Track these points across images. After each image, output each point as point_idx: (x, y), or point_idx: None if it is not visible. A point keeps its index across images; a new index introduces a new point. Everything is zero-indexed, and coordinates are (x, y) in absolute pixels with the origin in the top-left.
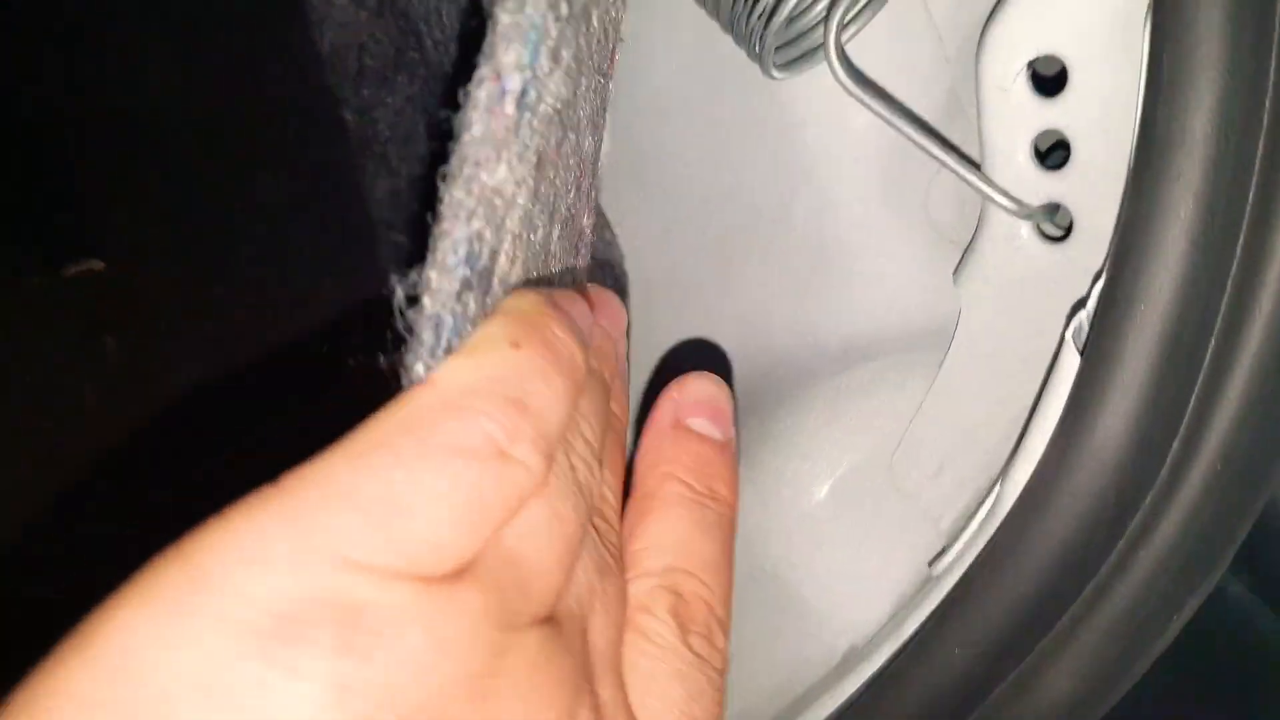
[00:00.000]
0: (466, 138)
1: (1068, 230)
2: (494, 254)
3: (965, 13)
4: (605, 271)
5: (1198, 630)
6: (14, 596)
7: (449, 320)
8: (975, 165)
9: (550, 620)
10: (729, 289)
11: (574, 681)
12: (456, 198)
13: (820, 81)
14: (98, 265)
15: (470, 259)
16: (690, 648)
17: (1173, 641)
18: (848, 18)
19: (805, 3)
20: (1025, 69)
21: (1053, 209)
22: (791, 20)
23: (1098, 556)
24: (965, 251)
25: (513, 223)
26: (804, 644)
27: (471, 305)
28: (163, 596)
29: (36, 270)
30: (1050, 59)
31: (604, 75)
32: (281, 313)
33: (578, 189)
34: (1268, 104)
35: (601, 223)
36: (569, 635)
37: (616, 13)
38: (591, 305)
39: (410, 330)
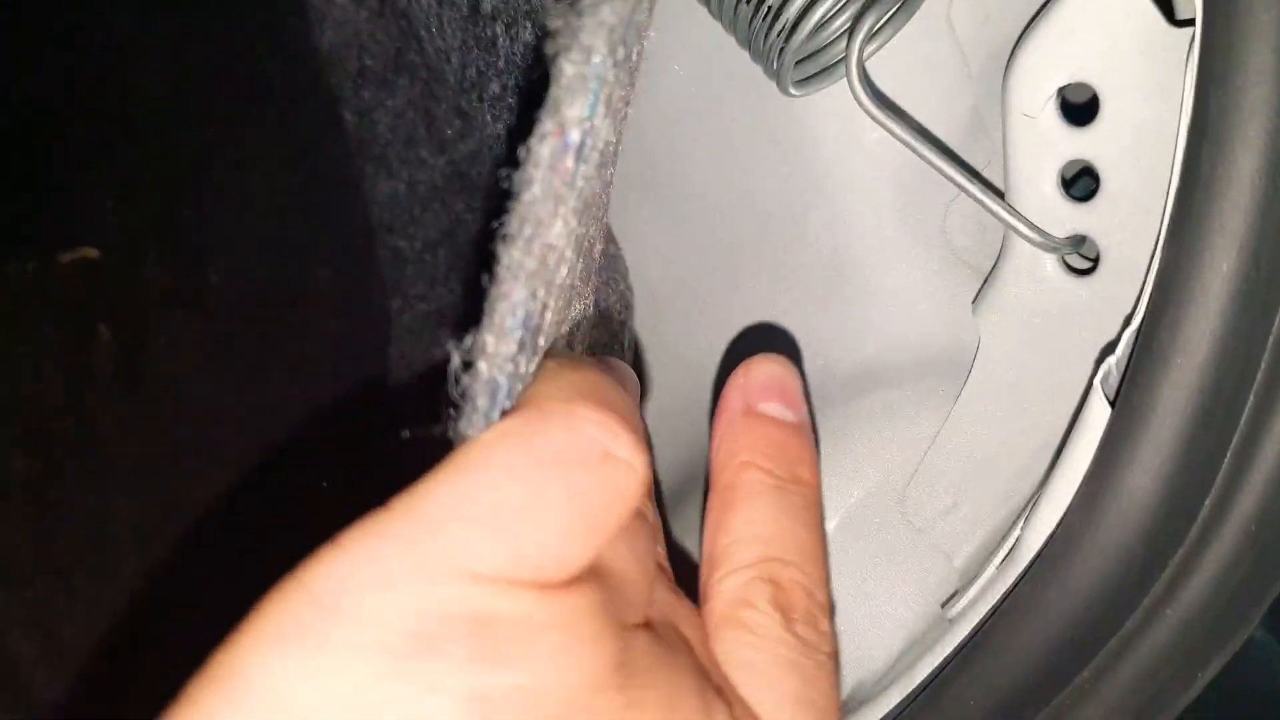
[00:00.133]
0: (527, 197)
1: (1094, 263)
2: (544, 309)
3: (990, 31)
4: (610, 287)
5: (1219, 675)
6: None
7: (504, 384)
8: (999, 193)
9: (649, 624)
10: (738, 303)
11: (695, 672)
12: (516, 259)
13: (836, 95)
14: (92, 253)
15: (527, 320)
16: (796, 636)
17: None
18: (871, 35)
19: (828, 19)
20: (1055, 96)
21: (1079, 241)
22: (813, 36)
23: (1122, 613)
24: (986, 281)
25: (561, 275)
26: None
27: (523, 365)
28: (293, 628)
29: (30, 256)
30: (1081, 86)
31: (628, 104)
32: (278, 307)
33: (599, 219)
34: None
35: (605, 236)
36: (669, 637)
37: (644, 42)
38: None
39: (464, 395)
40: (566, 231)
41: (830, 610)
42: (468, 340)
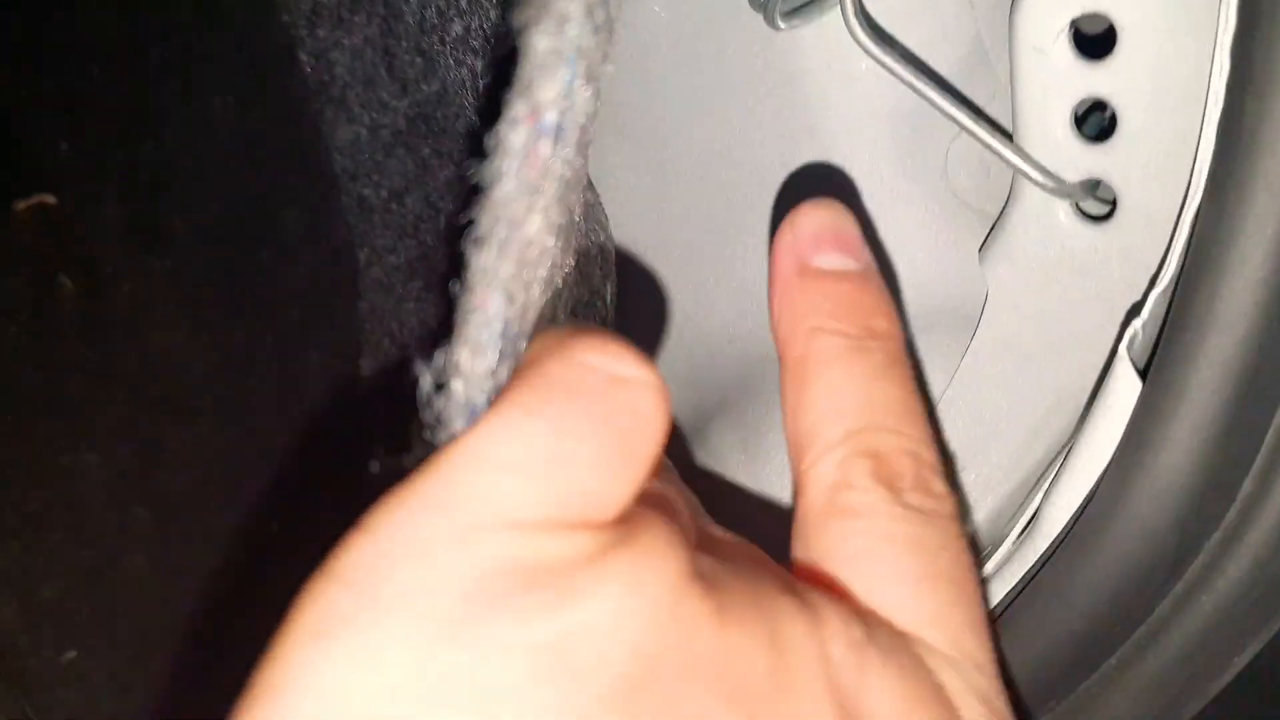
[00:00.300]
0: (499, 194)
1: (1111, 209)
2: (525, 311)
3: None
4: (590, 238)
5: (1253, 660)
6: None
7: (483, 403)
8: (1006, 133)
9: (701, 554)
10: (725, 255)
11: (776, 573)
12: (489, 264)
13: (826, 25)
14: (49, 199)
15: (505, 329)
16: (909, 506)
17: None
18: None
19: None
20: (1068, 28)
21: (1093, 185)
22: None
23: (1153, 599)
24: (993, 227)
25: (542, 271)
26: None
27: (504, 375)
28: (334, 622)
29: None
30: (1096, 17)
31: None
32: (244, 250)
33: (581, 188)
34: None
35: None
36: (730, 565)
37: None
38: None
39: (439, 420)
40: (546, 224)
41: (942, 467)
42: (439, 357)
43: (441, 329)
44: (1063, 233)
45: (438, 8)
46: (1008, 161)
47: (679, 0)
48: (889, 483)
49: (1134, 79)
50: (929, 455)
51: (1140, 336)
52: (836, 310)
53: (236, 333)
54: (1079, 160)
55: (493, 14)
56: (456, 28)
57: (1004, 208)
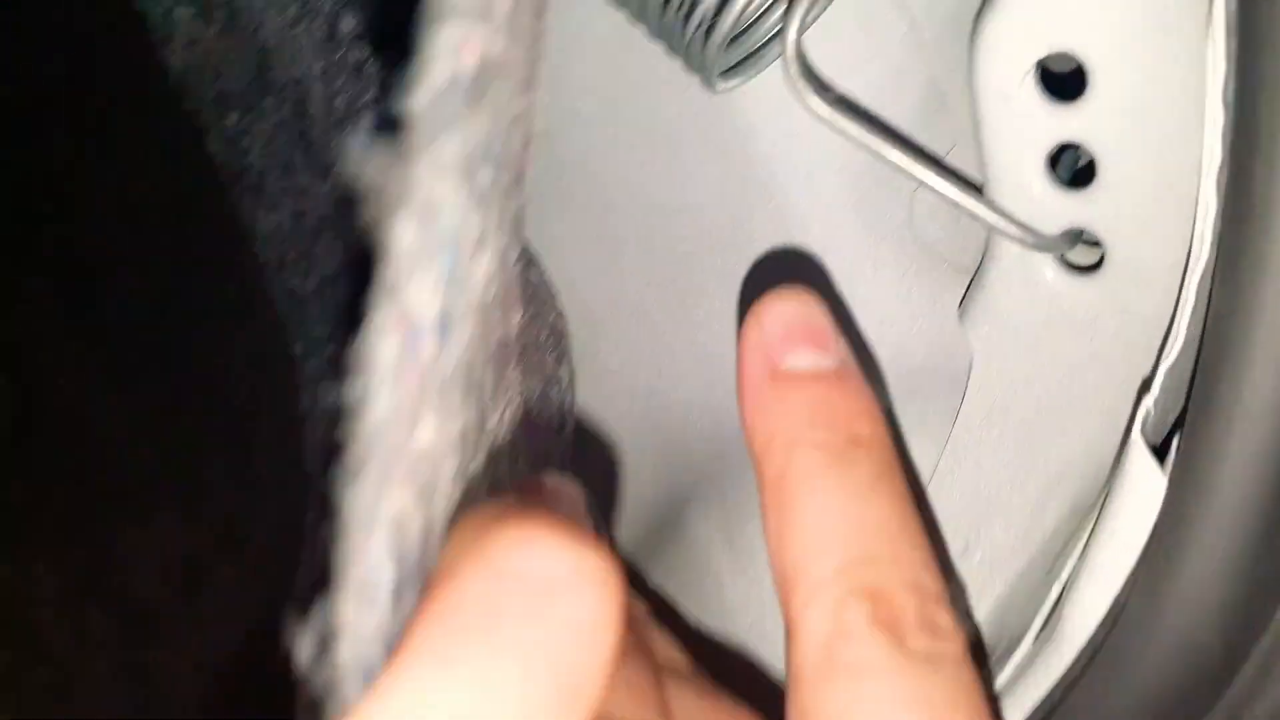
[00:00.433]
0: (370, 419)
1: (1100, 258)
2: (428, 529)
3: None
4: (539, 320)
5: None
6: None
7: (378, 659)
8: (975, 187)
9: None
10: (686, 321)
11: None
12: (368, 504)
13: (769, 76)
14: None
15: (399, 571)
16: (915, 655)
17: None
18: (808, 23)
19: (756, 11)
20: (1034, 69)
21: (1076, 236)
22: (738, 33)
23: (1199, 713)
24: (972, 284)
25: (447, 478)
26: None
27: (406, 605)
28: None
29: None
30: (1064, 56)
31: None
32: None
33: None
34: None
35: (526, 259)
36: None
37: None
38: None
39: (328, 689)
40: (445, 427)
41: (946, 593)
42: (319, 613)
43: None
44: (1049, 289)
45: (345, 99)
46: (981, 219)
47: (610, 61)
48: (890, 626)
49: (1111, 121)
50: (931, 583)
51: (1153, 413)
52: (815, 418)
53: (182, 419)
54: (1058, 210)
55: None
56: (368, 119)
57: (981, 263)
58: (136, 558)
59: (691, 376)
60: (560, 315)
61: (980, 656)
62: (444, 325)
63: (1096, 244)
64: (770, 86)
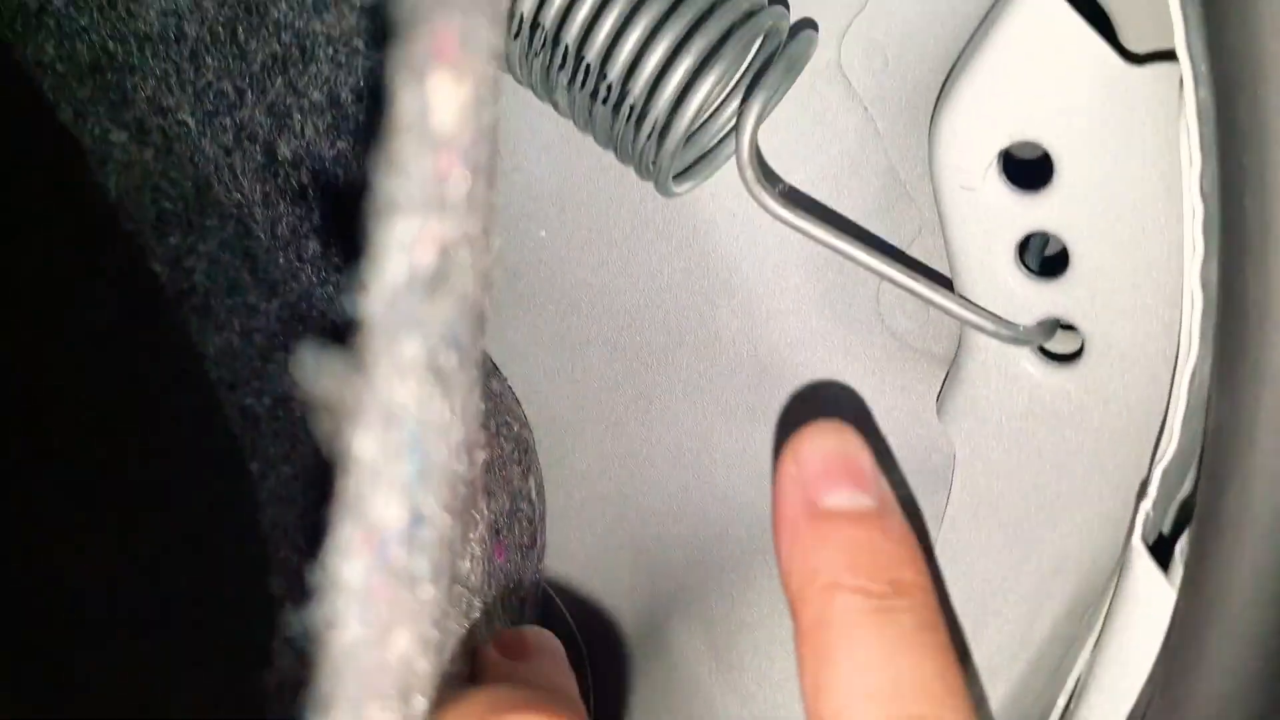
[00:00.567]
0: (339, 646)
1: (1080, 346)
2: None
3: (894, 79)
4: (503, 433)
5: None
6: None
7: None
8: (944, 280)
9: None
10: (656, 423)
11: None
12: None
13: (726, 174)
14: None
15: None
16: None
17: None
18: (762, 118)
19: (706, 112)
20: (996, 160)
21: (1052, 327)
22: (691, 137)
23: None
24: (948, 379)
25: (424, 674)
26: None
27: None
28: None
29: None
30: (1027, 144)
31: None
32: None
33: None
34: None
35: (486, 368)
36: None
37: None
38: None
39: None
40: (418, 630)
41: None
42: None
43: None
44: (1029, 381)
45: (289, 225)
46: (952, 314)
47: (561, 163)
48: None
49: (1080, 208)
50: None
51: (1151, 517)
52: (856, 563)
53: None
54: (1032, 300)
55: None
56: (313, 245)
57: (957, 354)
58: (94, 683)
59: (665, 481)
60: (525, 425)
61: None
62: (414, 525)
63: (1074, 329)
64: (725, 180)
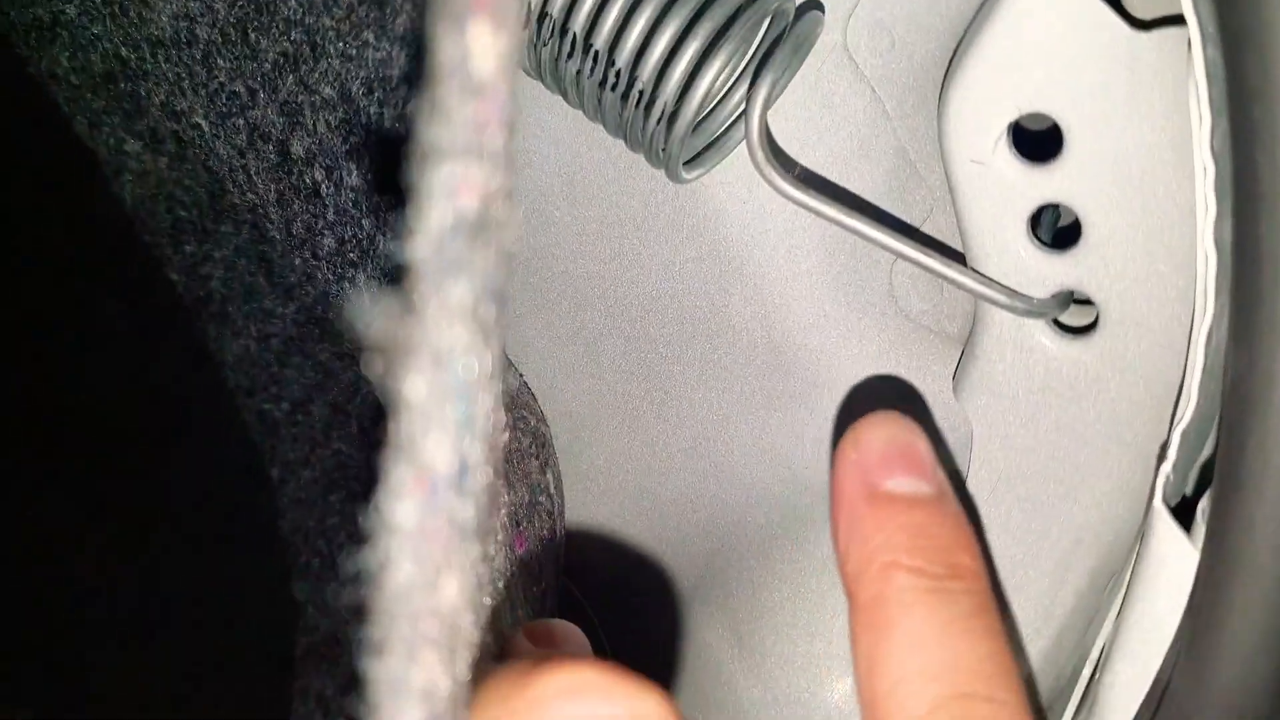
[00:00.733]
0: (394, 586)
1: (1094, 317)
2: (455, 695)
3: (900, 59)
4: (521, 427)
5: None
6: None
7: None
8: (957, 255)
9: None
10: (672, 414)
11: None
12: (396, 675)
13: (736, 158)
14: None
15: None
16: None
17: None
18: (771, 101)
19: (716, 96)
20: (1006, 133)
21: (1066, 299)
22: (700, 122)
23: None
24: (963, 356)
25: (468, 633)
26: None
27: None
28: None
29: None
30: (1035, 116)
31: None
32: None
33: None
34: None
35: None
36: None
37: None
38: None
39: None
40: (467, 592)
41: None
42: None
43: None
44: (1045, 354)
45: (304, 223)
46: (965, 288)
47: (570, 156)
48: None
49: (1091, 178)
50: None
51: (1172, 480)
52: (914, 544)
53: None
54: (1046, 272)
55: (365, 223)
56: (328, 241)
57: (971, 331)
58: (115, 693)
59: (682, 471)
60: (541, 420)
61: None
62: (462, 474)
63: (1089, 303)
64: (735, 166)
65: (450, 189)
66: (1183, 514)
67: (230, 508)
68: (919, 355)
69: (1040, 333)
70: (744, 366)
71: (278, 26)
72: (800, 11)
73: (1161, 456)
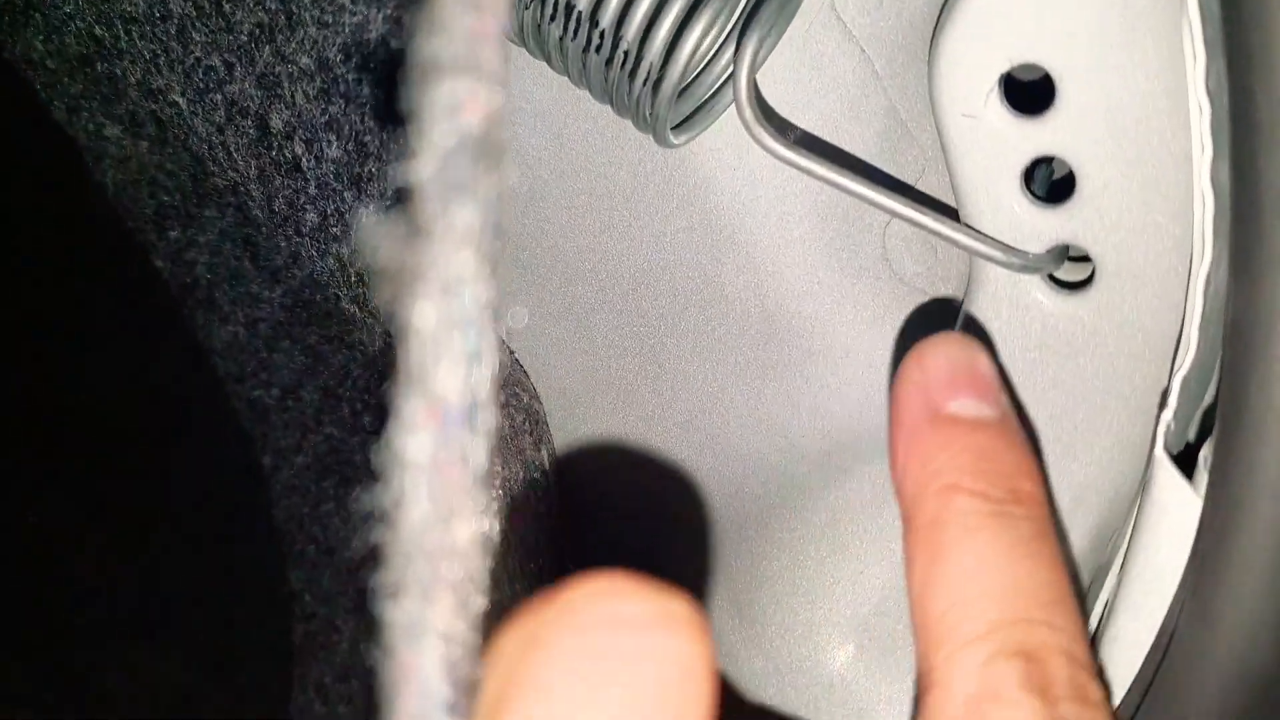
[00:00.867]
0: (408, 524)
1: (1091, 272)
2: (471, 640)
3: (888, 17)
4: (513, 404)
5: None
6: None
7: None
8: (951, 212)
9: None
10: (667, 387)
11: None
12: (414, 618)
13: (725, 124)
14: None
15: (452, 685)
16: None
17: None
18: (758, 63)
19: (703, 58)
20: (997, 85)
21: (1062, 253)
22: (686, 84)
23: None
24: (959, 317)
25: (480, 579)
26: None
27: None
28: None
29: None
30: (1027, 67)
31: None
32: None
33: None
34: None
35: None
36: None
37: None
38: None
39: None
40: (478, 525)
41: (1094, 669)
42: None
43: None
44: (1041, 311)
45: (285, 198)
46: (960, 245)
47: (557, 128)
48: (1042, 691)
49: (1084, 128)
50: (1082, 652)
51: (1173, 428)
52: (977, 467)
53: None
54: (1040, 227)
55: (347, 196)
56: (311, 217)
57: (966, 292)
58: (122, 692)
59: (678, 445)
60: (534, 397)
61: None
62: (472, 409)
63: (1085, 258)
64: (724, 134)
65: (452, 106)
66: (1185, 463)
67: (227, 500)
68: (914, 320)
69: (1036, 289)
70: (738, 336)
71: None
72: None
73: (1162, 405)
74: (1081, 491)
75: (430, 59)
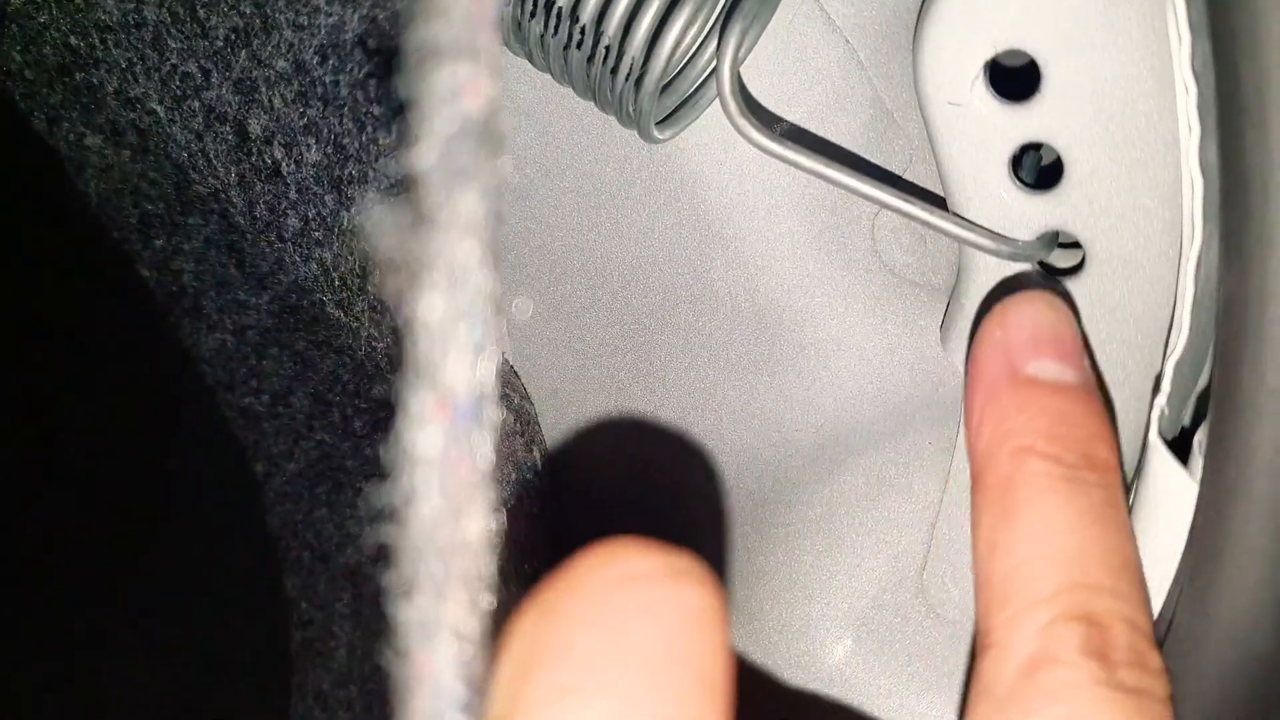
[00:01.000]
0: (419, 520)
1: (1081, 258)
2: (482, 638)
3: (872, 7)
4: (504, 405)
5: None
6: None
7: None
8: (939, 201)
9: None
10: (658, 385)
11: None
12: (427, 616)
13: (709, 118)
14: None
15: (466, 684)
16: (1122, 687)
17: None
18: (742, 57)
19: (686, 52)
20: (982, 72)
21: (1051, 239)
22: (669, 80)
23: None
24: (949, 308)
25: (488, 576)
26: None
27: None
28: None
29: None
30: (1011, 53)
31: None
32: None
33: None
34: None
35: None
36: None
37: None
38: None
39: None
40: (487, 521)
41: (1154, 639)
42: None
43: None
44: None
45: (267, 204)
46: (949, 234)
47: (541, 126)
48: (1102, 656)
49: (1070, 113)
50: (1145, 621)
51: (1167, 413)
52: (1053, 431)
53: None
54: (1029, 214)
55: (328, 199)
56: (292, 221)
57: (957, 282)
58: (120, 700)
59: (671, 443)
60: (525, 398)
61: None
62: (479, 403)
63: (1075, 245)
64: (710, 128)
65: (453, 90)
66: (1180, 449)
67: (221, 508)
68: (905, 309)
69: (1026, 277)
70: (728, 332)
71: (226, 2)
72: None
73: (1155, 390)
74: None
75: (428, 44)
